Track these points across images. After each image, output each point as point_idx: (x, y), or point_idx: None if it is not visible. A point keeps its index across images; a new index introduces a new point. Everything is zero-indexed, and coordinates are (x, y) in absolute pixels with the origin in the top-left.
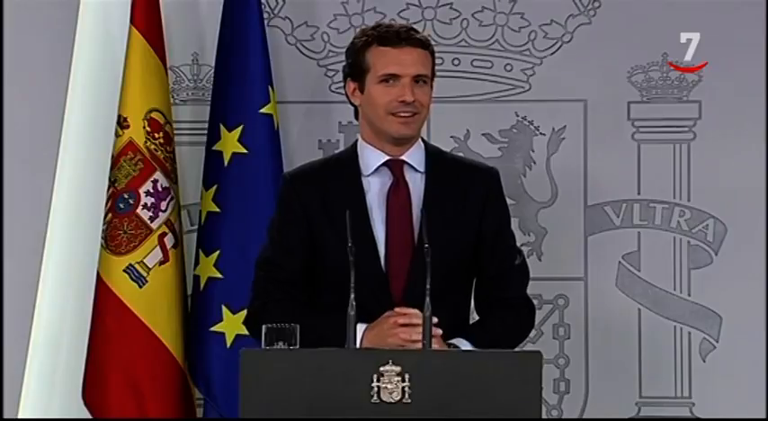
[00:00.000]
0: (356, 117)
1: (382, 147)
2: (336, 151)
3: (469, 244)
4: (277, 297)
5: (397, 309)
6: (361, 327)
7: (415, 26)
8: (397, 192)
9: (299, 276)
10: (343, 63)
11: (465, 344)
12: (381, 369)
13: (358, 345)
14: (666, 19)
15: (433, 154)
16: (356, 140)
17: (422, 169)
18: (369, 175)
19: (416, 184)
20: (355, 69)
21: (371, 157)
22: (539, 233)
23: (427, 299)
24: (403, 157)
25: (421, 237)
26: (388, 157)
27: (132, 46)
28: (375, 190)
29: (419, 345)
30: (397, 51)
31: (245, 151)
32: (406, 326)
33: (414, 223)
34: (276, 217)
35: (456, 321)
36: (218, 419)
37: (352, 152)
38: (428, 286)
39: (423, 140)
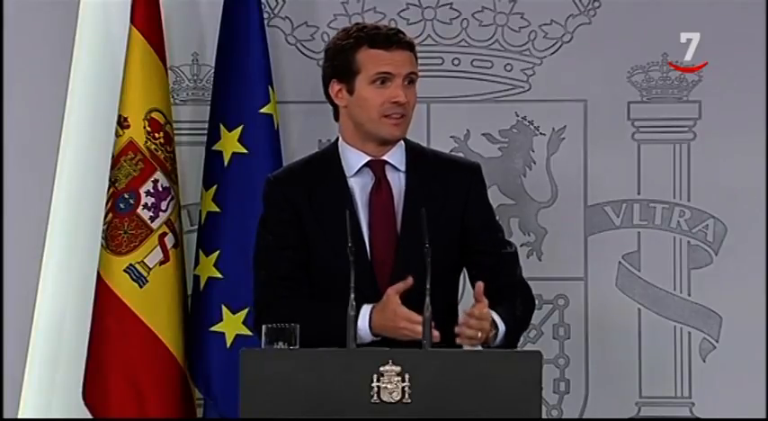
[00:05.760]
0: (335, 118)
1: (364, 148)
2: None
3: (453, 240)
4: (281, 294)
5: (393, 292)
6: (367, 308)
7: (415, 25)
8: (380, 192)
9: (299, 272)
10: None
11: (498, 320)
12: (381, 369)
13: (367, 325)
14: (666, 19)
15: (413, 152)
16: (336, 140)
17: (403, 168)
18: (351, 176)
19: (398, 183)
20: (342, 70)
21: (353, 159)
22: (539, 233)
23: (427, 299)
24: (384, 157)
25: (404, 236)
26: (369, 158)
27: (132, 46)
28: (357, 191)
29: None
30: (389, 54)
31: (245, 151)
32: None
33: (397, 223)
34: (266, 219)
35: (442, 315)
36: (218, 419)
37: (333, 152)
38: (428, 286)
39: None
